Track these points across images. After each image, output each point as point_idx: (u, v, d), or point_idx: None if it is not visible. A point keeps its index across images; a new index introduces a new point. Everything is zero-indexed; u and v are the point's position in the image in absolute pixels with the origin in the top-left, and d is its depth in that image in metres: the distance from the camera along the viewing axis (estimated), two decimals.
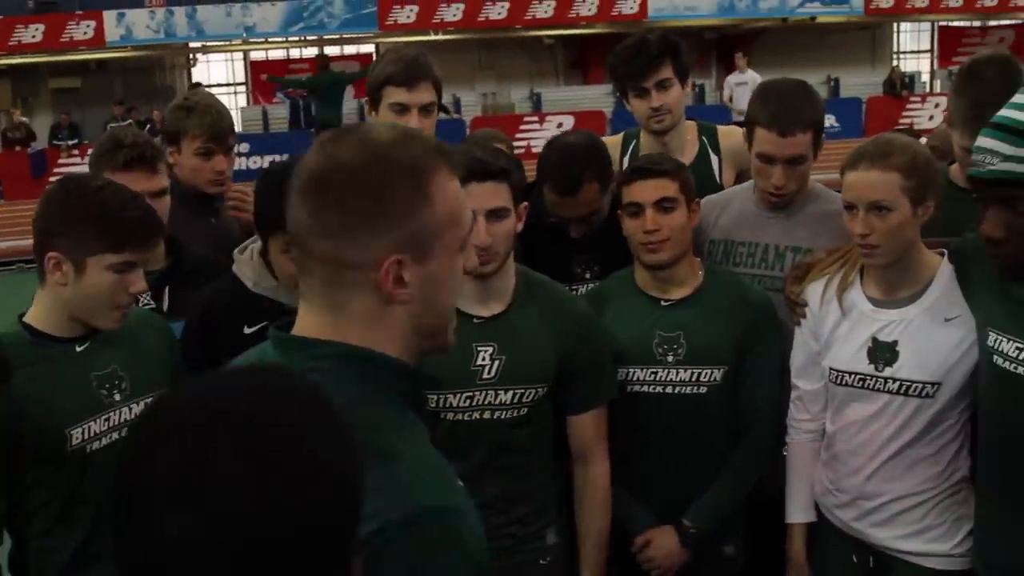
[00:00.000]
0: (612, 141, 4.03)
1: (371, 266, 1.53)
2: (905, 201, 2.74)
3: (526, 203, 2.97)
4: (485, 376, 2.89)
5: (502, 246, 2.85)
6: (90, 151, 3.65)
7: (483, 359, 2.89)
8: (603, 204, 3.43)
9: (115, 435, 2.67)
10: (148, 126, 20.01)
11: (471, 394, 2.89)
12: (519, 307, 2.96)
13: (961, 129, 3.14)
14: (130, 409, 2.71)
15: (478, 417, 2.90)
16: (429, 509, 1.43)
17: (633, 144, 4.00)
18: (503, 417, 2.92)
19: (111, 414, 2.68)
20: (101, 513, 2.61)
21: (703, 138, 3.97)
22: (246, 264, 2.99)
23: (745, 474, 3.20)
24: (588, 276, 3.50)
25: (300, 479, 1.12)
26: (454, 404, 2.88)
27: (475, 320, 2.90)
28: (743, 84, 19.03)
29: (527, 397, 2.93)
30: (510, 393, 2.91)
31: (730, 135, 3.90)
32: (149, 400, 2.66)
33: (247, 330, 2.90)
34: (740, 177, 3.82)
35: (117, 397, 2.70)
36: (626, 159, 3.92)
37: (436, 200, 1.57)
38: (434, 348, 1.68)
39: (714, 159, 3.92)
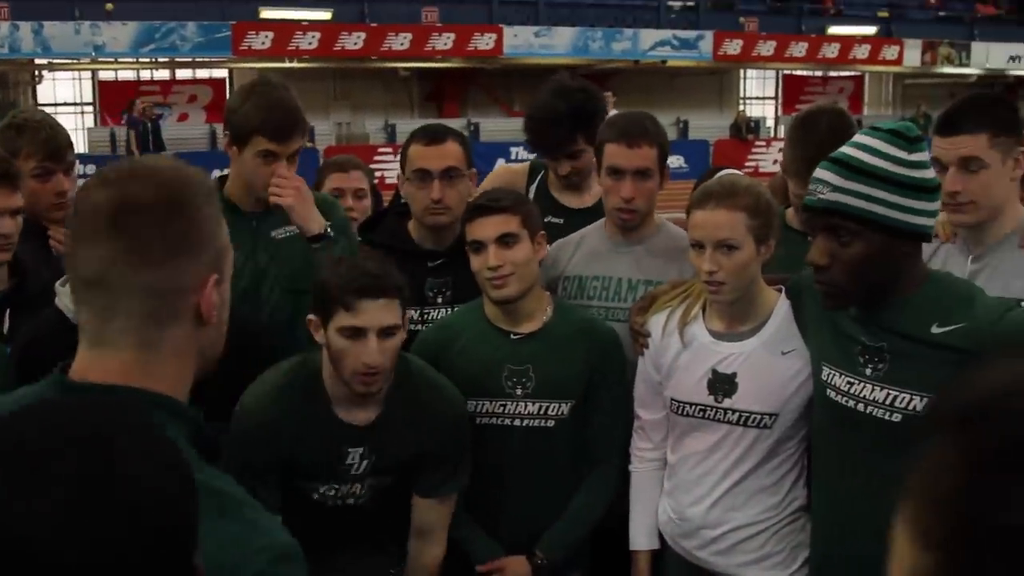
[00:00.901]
0: (519, 169, 4.11)
1: (194, 288, 1.55)
2: (750, 240, 2.84)
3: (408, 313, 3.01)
4: (354, 472, 2.96)
5: (391, 364, 2.87)
6: None
7: (352, 458, 2.95)
8: (460, 193, 3.49)
9: None
10: None
11: (337, 486, 2.98)
12: (390, 412, 2.97)
13: (795, 178, 3.29)
14: None
15: (348, 504, 3.02)
16: (291, 546, 1.49)
17: (541, 175, 4.06)
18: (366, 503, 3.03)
19: None
20: None
21: None
22: (67, 296, 2.90)
23: (594, 505, 3.24)
24: (440, 300, 3.52)
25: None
26: (323, 492, 3.00)
27: (346, 424, 2.95)
28: None
29: (382, 485, 3.02)
30: (375, 479, 2.99)
31: None
32: None
33: None
34: None
35: None
36: (532, 188, 3.99)
37: (223, 221, 1.64)
38: (209, 371, 1.71)
39: None
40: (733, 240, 2.84)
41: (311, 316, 2.90)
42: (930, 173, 2.57)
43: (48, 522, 1.03)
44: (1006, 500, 0.69)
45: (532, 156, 4.22)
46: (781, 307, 2.96)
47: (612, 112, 15.04)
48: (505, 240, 3.09)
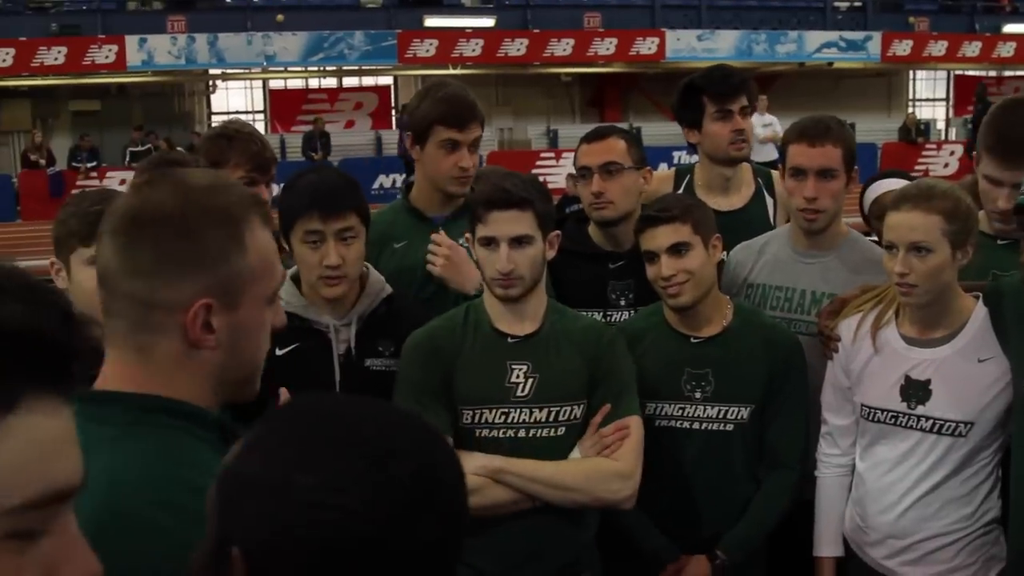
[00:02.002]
0: (664, 176, 4.07)
1: (180, 308, 1.53)
2: (945, 244, 2.78)
3: (558, 231, 3.03)
4: (519, 394, 2.94)
5: (527, 271, 2.91)
6: (108, 173, 3.60)
7: (517, 376, 2.94)
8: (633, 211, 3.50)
9: None
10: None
11: (506, 411, 2.93)
12: (548, 327, 3.02)
13: (986, 158, 3.12)
14: None
15: (513, 435, 2.94)
16: None
17: (687, 179, 4.03)
18: (539, 435, 2.95)
19: None
20: None
21: (758, 180, 4.02)
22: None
23: (775, 508, 3.22)
24: (623, 303, 3.54)
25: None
26: (490, 420, 2.94)
27: (510, 339, 2.97)
28: (768, 125, 19.17)
29: (563, 415, 2.96)
30: (545, 411, 2.95)
31: None
32: None
33: (279, 352, 2.96)
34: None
35: None
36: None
37: (249, 248, 1.58)
38: (237, 398, 1.69)
39: (769, 201, 3.97)
40: (926, 243, 2.78)
41: (467, 234, 3.05)
42: None
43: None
44: None
45: (692, 159, 4.19)
46: (978, 314, 2.89)
47: (766, 116, 14.97)
48: (677, 249, 3.10)
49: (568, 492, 2.90)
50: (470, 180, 3.51)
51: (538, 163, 23.97)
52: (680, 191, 3.96)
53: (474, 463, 2.86)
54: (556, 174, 22.83)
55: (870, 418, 2.98)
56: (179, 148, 19.17)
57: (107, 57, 23.78)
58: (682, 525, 3.21)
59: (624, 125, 25.02)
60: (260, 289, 1.61)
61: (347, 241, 2.93)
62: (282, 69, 26.27)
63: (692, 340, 3.21)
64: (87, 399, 1.51)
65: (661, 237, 3.11)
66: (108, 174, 21.65)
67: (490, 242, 2.90)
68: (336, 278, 2.93)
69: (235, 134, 3.67)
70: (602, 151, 3.53)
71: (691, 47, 26.21)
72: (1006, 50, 28.96)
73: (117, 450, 1.47)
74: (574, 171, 3.67)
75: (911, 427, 2.90)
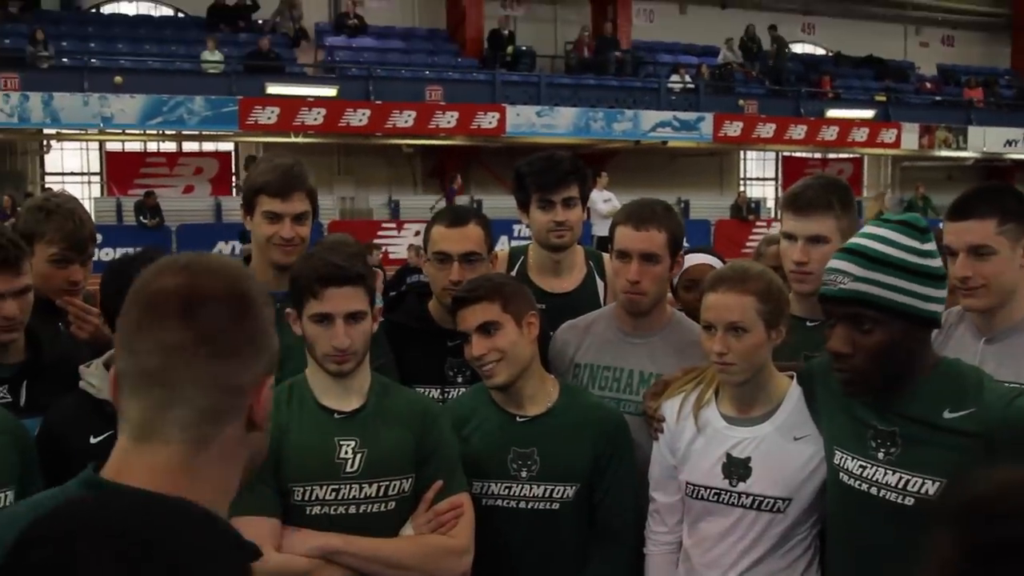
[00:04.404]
0: (499, 257, 4.08)
1: (252, 389, 1.50)
2: (760, 324, 2.91)
3: (380, 306, 3.06)
4: (349, 469, 2.94)
5: (360, 346, 2.95)
6: None
7: (346, 452, 2.95)
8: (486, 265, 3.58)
9: None
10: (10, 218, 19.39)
11: (337, 487, 2.93)
12: (376, 402, 3.04)
13: (784, 217, 3.43)
14: None
15: (344, 511, 2.93)
16: None
17: (521, 260, 4.09)
18: (370, 511, 2.95)
19: None
20: None
21: (590, 262, 4.09)
22: (92, 375, 3.02)
23: None
24: (459, 380, 3.57)
25: None
26: (320, 496, 2.92)
27: (336, 415, 2.99)
28: (608, 201, 19.72)
29: (392, 490, 2.97)
30: (375, 486, 2.96)
31: None
32: None
33: (93, 440, 2.93)
34: None
35: None
36: (512, 274, 3.98)
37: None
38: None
39: (600, 284, 4.05)
40: (742, 323, 2.91)
41: (289, 310, 3.03)
42: (939, 262, 2.66)
43: None
44: None
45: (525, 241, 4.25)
46: (793, 393, 3.02)
47: (603, 190, 15.29)
48: (486, 328, 3.14)
49: (407, 571, 2.91)
50: (295, 251, 3.50)
51: (380, 233, 23.96)
52: (513, 272, 4.02)
53: (311, 543, 2.85)
54: (398, 244, 22.90)
55: (694, 496, 3.06)
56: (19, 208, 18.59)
57: None
58: None
59: (465, 198, 25.29)
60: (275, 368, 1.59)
61: None
62: (119, 131, 25.73)
63: (518, 419, 3.23)
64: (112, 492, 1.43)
65: (470, 317, 3.15)
66: None
67: (324, 319, 2.91)
68: None
69: (55, 208, 3.56)
70: (462, 239, 3.56)
71: (531, 122, 26.59)
72: (829, 134, 30.18)
73: None
74: (421, 246, 3.68)
75: (733, 504, 2.99)
